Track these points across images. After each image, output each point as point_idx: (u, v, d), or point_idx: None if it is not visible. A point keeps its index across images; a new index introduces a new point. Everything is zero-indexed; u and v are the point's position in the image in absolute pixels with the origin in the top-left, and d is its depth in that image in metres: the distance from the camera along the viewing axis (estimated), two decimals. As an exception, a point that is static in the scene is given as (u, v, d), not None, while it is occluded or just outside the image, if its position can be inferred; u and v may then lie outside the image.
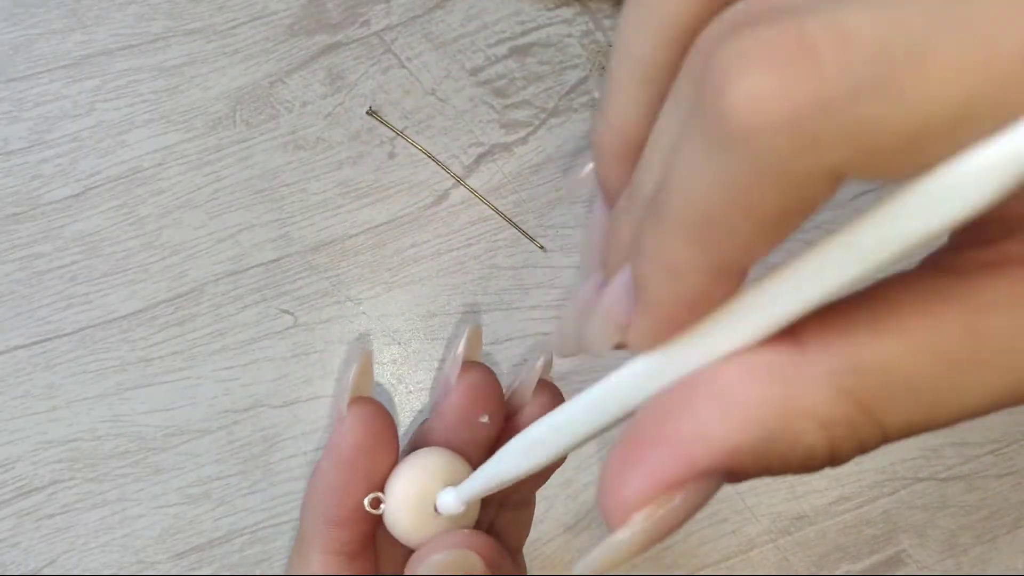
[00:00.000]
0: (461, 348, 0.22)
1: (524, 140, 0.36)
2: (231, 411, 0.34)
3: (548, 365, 0.23)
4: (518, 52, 0.36)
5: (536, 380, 0.23)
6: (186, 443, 0.34)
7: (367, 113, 0.35)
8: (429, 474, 0.20)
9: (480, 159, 0.35)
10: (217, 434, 0.34)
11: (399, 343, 0.35)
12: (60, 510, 0.33)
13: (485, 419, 0.21)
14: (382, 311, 0.35)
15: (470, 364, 0.22)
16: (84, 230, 0.35)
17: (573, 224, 0.35)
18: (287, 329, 0.35)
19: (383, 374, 0.35)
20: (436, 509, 0.19)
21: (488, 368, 0.22)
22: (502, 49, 0.36)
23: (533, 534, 0.24)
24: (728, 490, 0.34)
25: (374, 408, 0.21)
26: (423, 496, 0.19)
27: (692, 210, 0.13)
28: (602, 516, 0.14)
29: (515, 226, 0.35)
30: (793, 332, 0.13)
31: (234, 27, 0.36)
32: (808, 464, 0.14)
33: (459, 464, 0.20)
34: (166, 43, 0.36)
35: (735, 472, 0.14)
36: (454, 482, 0.20)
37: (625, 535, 0.14)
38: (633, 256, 0.15)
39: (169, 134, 0.35)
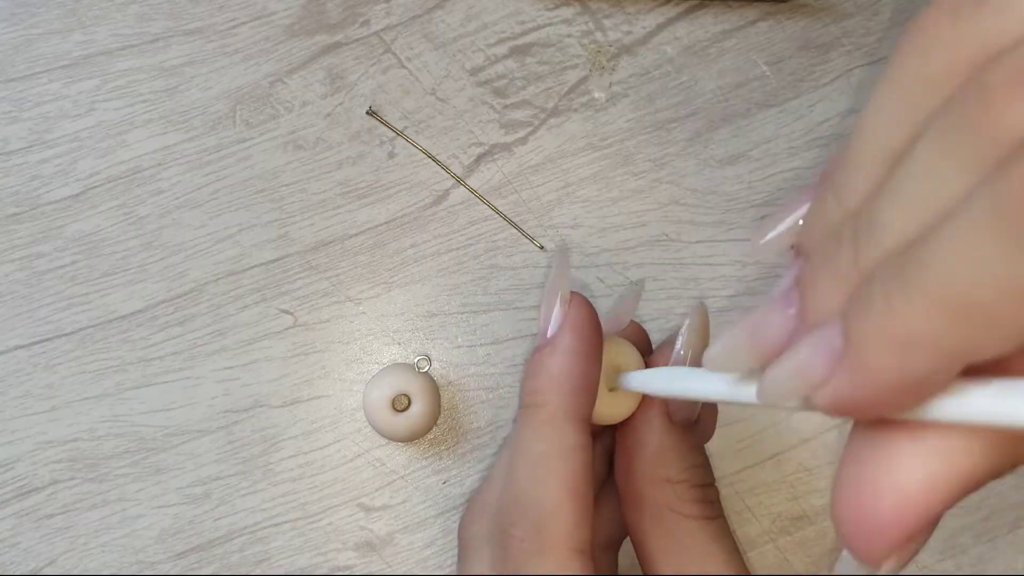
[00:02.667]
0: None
1: (524, 140, 0.36)
2: (231, 411, 0.34)
3: (702, 327, 0.24)
4: (518, 52, 0.36)
5: (631, 311, 0.26)
6: (186, 443, 0.34)
7: (367, 113, 0.35)
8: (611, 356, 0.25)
9: (480, 159, 0.35)
10: (217, 434, 0.34)
11: (399, 343, 0.35)
12: (60, 510, 0.33)
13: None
14: (382, 311, 0.35)
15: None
16: (84, 230, 0.35)
17: (572, 224, 0.35)
18: (287, 329, 0.35)
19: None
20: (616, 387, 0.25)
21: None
22: (502, 49, 0.36)
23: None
24: (728, 490, 0.34)
25: (583, 298, 0.24)
26: (606, 375, 0.25)
27: (955, 290, 0.12)
28: (852, 552, 0.15)
29: (515, 226, 0.35)
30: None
31: (234, 27, 0.36)
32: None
33: (632, 355, 0.26)
34: (166, 43, 0.36)
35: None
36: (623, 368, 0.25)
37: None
38: (853, 311, 0.14)
39: (169, 134, 0.35)
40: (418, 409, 0.32)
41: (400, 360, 0.35)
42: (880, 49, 0.36)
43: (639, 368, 0.25)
